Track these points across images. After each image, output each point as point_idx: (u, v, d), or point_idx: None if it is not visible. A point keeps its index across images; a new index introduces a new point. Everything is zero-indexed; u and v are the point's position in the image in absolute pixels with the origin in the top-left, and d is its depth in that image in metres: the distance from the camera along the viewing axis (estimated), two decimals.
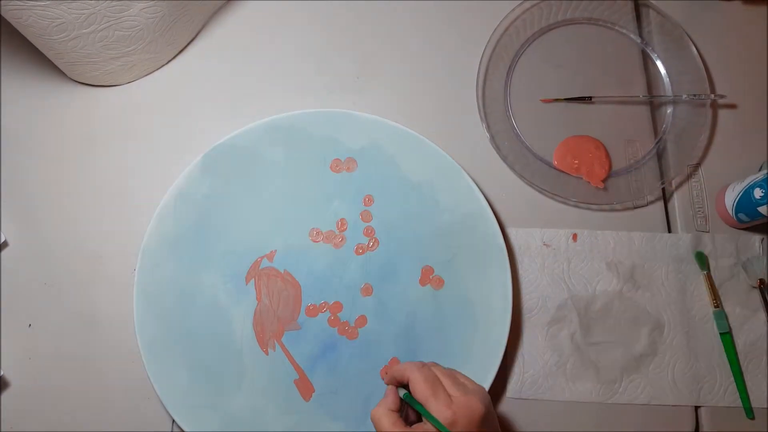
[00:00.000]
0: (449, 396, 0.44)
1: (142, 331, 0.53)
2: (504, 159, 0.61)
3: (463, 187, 0.58)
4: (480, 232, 0.57)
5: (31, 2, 0.50)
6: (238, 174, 0.58)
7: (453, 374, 0.47)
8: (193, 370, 0.53)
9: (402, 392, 0.47)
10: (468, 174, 0.58)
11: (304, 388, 0.54)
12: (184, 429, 0.52)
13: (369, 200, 0.58)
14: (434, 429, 0.43)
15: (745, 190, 0.58)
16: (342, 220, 0.58)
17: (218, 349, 0.54)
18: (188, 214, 0.56)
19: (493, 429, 0.46)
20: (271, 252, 0.57)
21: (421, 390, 0.45)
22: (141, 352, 0.53)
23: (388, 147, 0.59)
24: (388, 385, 0.49)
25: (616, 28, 0.66)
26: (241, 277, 0.56)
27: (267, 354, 0.54)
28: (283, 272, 0.56)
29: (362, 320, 0.56)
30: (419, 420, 0.46)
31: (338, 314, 0.56)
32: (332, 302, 0.56)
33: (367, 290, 0.56)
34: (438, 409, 0.44)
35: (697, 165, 0.63)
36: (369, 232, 0.57)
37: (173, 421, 0.53)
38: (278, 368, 0.54)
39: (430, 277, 0.56)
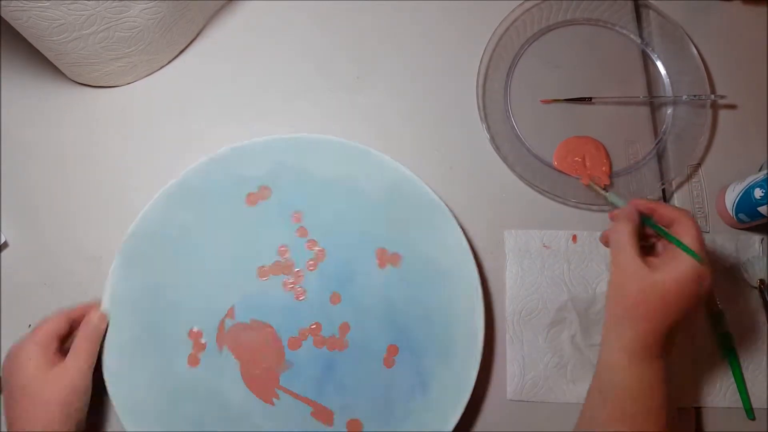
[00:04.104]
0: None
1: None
2: (504, 159, 0.61)
3: (376, 162, 0.58)
4: (410, 195, 0.57)
5: (32, 3, 0.50)
6: (162, 255, 0.56)
7: None
8: None
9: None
10: (375, 149, 0.58)
11: (323, 415, 0.53)
12: None
13: (297, 217, 0.57)
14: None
15: (745, 190, 0.57)
16: (282, 247, 0.57)
17: (226, 425, 0.53)
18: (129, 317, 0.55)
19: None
20: (230, 309, 0.55)
21: (695, 234, 0.46)
22: None
23: (291, 161, 0.58)
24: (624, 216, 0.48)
25: (616, 28, 0.66)
26: (213, 348, 0.55)
27: (273, 405, 0.54)
28: (249, 323, 0.55)
29: (345, 328, 0.55)
30: None
31: (320, 333, 0.55)
32: (309, 325, 0.55)
33: (335, 299, 0.56)
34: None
35: (698, 165, 0.63)
36: (312, 245, 0.57)
37: None
38: (290, 411, 0.53)
39: (386, 256, 0.56)
